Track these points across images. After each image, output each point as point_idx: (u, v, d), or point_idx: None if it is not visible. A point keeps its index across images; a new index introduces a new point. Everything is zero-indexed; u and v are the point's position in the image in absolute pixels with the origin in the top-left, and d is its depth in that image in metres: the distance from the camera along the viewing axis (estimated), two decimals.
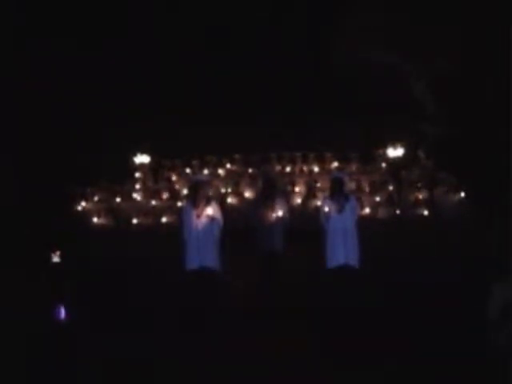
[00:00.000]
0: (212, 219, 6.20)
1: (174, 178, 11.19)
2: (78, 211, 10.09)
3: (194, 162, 11.23)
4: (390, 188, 10.35)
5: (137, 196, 10.53)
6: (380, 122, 11.18)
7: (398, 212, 9.75)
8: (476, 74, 10.41)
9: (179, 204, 9.88)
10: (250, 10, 12.17)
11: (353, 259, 6.35)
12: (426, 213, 9.66)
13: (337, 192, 6.54)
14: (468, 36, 10.30)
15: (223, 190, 10.59)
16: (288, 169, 11.20)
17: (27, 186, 10.18)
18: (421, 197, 10.00)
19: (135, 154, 11.15)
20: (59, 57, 11.16)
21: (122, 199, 10.34)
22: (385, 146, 10.95)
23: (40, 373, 5.01)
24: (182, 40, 12.04)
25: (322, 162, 11.21)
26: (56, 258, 7.80)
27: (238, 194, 10.47)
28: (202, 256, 6.15)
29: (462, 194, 9.81)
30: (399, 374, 4.76)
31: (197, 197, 6.31)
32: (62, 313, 6.33)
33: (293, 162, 11.29)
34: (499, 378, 3.43)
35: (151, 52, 12.05)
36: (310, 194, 10.17)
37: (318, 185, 10.44)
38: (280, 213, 7.03)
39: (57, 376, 4.97)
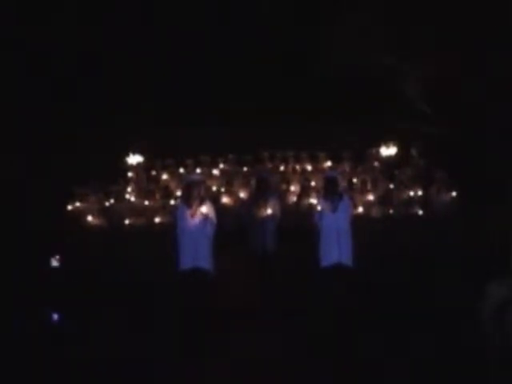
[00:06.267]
0: (206, 218, 6.17)
1: (167, 177, 11.15)
2: (70, 212, 10.02)
3: (188, 162, 11.19)
4: (384, 187, 10.36)
5: (130, 196, 10.48)
6: (373, 121, 11.20)
7: (391, 211, 9.78)
8: (470, 74, 10.47)
9: (172, 204, 9.86)
10: (249, 9, 12.14)
11: (346, 258, 6.35)
12: (419, 211, 9.69)
13: (330, 191, 6.54)
14: (466, 36, 10.35)
15: (217, 190, 10.58)
16: (281, 168, 11.19)
17: (22, 187, 10.12)
18: (414, 195, 10.02)
19: (128, 154, 11.09)
20: (55, 54, 11.13)
21: (115, 200, 10.29)
22: (378, 145, 10.98)
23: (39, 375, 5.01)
24: (176, 39, 12.00)
25: (314, 161, 11.22)
26: (55, 263, 7.69)
27: (231, 193, 10.45)
28: (196, 256, 6.12)
29: (454, 193, 9.82)
30: (397, 373, 4.77)
31: (190, 197, 6.28)
32: (59, 316, 6.31)
33: (285, 162, 11.28)
34: (497, 377, 3.44)
35: (145, 52, 12.00)
36: (304, 193, 10.17)
37: (312, 184, 10.45)
38: (272, 212, 7.04)
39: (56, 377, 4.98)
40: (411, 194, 10.02)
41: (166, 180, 11.09)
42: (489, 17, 10.20)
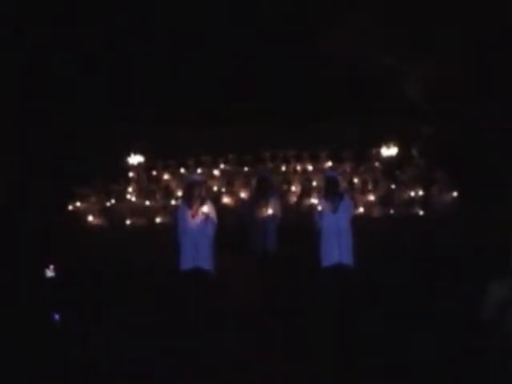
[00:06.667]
0: (207, 218, 6.17)
1: (167, 178, 11.14)
2: (70, 212, 10.01)
3: (189, 162, 11.19)
4: (384, 187, 10.36)
5: (131, 196, 10.48)
6: (373, 121, 11.20)
7: (392, 211, 9.77)
8: (470, 74, 10.47)
9: (173, 204, 9.85)
10: (248, 10, 12.13)
11: (347, 258, 6.35)
12: (420, 212, 9.68)
13: (331, 191, 6.54)
14: (465, 36, 10.35)
15: (217, 190, 10.57)
16: (282, 168, 11.18)
17: (22, 187, 10.12)
18: (415, 195, 10.01)
19: (129, 154, 11.08)
20: (55, 54, 11.13)
21: (116, 200, 10.28)
22: (378, 145, 10.97)
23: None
24: (176, 39, 11.99)
25: (315, 161, 11.21)
26: (50, 273, 7.65)
27: (232, 193, 10.45)
28: (196, 256, 6.12)
29: (455, 193, 9.82)
30: (397, 373, 4.76)
31: (191, 197, 6.29)
32: (59, 316, 6.31)
33: (286, 162, 11.28)
34: (497, 377, 3.44)
35: (145, 52, 11.99)
36: (304, 193, 10.16)
37: (312, 184, 10.44)
38: (273, 212, 7.03)
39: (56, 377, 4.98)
40: (412, 194, 10.01)
41: (166, 180, 11.08)
42: (489, 17, 10.20)
